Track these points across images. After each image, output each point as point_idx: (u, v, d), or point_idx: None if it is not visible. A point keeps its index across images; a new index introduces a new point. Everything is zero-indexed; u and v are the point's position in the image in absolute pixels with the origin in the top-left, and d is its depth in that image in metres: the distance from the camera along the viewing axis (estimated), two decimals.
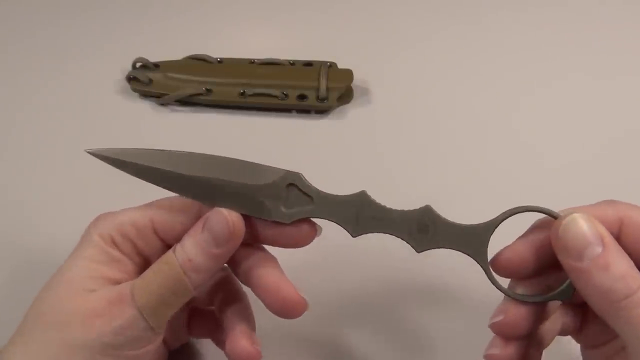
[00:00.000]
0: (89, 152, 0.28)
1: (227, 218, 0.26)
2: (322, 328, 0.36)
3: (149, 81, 0.47)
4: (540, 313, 0.27)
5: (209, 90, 0.46)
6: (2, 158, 0.44)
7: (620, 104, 0.47)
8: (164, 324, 0.27)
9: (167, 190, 0.28)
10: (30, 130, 0.46)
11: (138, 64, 0.48)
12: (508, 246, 0.27)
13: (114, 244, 0.27)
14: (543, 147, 0.44)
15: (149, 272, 0.27)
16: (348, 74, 0.47)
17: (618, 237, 0.25)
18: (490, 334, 0.27)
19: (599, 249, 0.23)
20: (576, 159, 0.43)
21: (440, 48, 0.51)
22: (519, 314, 0.27)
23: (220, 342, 0.32)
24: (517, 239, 0.28)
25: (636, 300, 0.22)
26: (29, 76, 0.49)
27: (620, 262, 0.23)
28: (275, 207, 0.27)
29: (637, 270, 0.23)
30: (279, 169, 0.28)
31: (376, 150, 0.44)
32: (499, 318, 0.27)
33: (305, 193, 0.27)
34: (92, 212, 0.29)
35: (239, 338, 0.28)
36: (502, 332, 0.27)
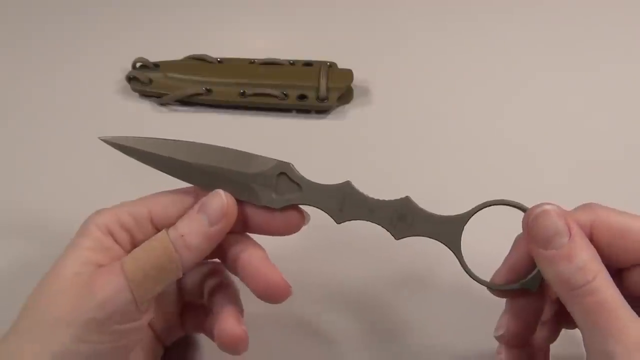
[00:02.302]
0: (102, 139, 0.30)
1: (222, 198, 0.28)
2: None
3: (149, 81, 0.47)
4: (536, 318, 0.28)
5: (209, 90, 0.46)
6: (2, 157, 0.44)
7: (612, 102, 0.46)
8: (148, 300, 0.27)
9: (166, 180, 0.30)
10: (30, 130, 0.45)
11: (138, 64, 0.47)
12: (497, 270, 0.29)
13: (110, 233, 0.28)
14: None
15: (139, 248, 0.27)
16: (348, 74, 0.46)
17: (590, 238, 0.26)
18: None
19: (565, 239, 0.24)
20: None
21: (439, 48, 0.51)
22: (517, 326, 0.28)
23: (212, 335, 0.32)
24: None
25: (589, 289, 0.23)
26: (29, 76, 0.49)
27: (583, 254, 0.24)
28: (266, 194, 0.29)
29: (599, 263, 0.24)
30: (271, 158, 0.29)
31: (376, 150, 0.44)
32: (501, 332, 0.28)
33: (294, 181, 0.29)
34: (92, 208, 0.29)
35: (225, 319, 0.29)
36: (506, 343, 0.29)
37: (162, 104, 0.47)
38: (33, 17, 0.54)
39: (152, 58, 0.48)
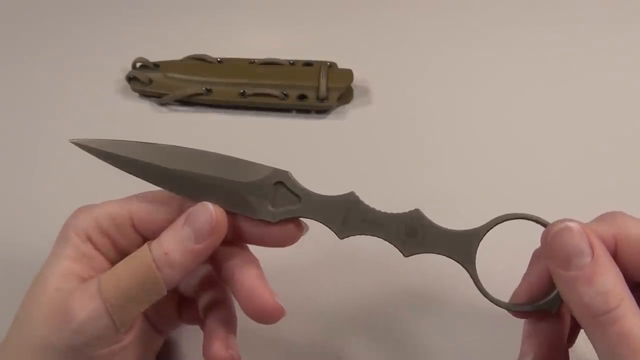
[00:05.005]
0: (73, 142, 0.27)
1: (211, 212, 0.26)
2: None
3: (149, 81, 0.46)
4: (562, 341, 0.27)
5: (209, 90, 0.45)
6: (2, 156, 0.43)
7: (622, 105, 0.45)
8: (129, 322, 0.25)
9: (153, 185, 0.27)
10: (30, 129, 0.45)
11: (138, 64, 0.46)
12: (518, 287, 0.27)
13: (90, 240, 0.26)
14: (543, 150, 0.43)
15: (119, 265, 0.25)
16: (348, 74, 0.46)
17: (615, 253, 0.24)
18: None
19: (587, 260, 0.22)
20: (577, 162, 0.42)
21: (440, 48, 0.50)
22: (543, 352, 0.26)
23: (203, 349, 0.31)
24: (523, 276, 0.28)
25: (613, 317, 0.22)
26: (30, 75, 0.48)
27: (607, 277, 0.22)
28: (262, 206, 0.26)
29: (623, 288, 0.22)
30: (267, 166, 0.27)
31: (376, 150, 0.43)
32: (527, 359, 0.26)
33: (292, 192, 0.27)
34: None
35: (214, 342, 0.27)
36: None
37: (162, 104, 0.46)
38: (33, 17, 0.52)
39: (152, 58, 0.47)
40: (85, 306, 0.24)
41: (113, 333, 0.25)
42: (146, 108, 0.47)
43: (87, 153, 0.27)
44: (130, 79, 0.46)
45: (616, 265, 0.23)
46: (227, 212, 0.26)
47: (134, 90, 0.47)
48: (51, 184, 0.42)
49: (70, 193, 0.41)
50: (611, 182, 0.41)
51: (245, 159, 0.28)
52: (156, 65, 0.47)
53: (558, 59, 0.49)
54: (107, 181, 0.40)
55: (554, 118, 0.45)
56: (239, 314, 0.29)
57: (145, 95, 0.47)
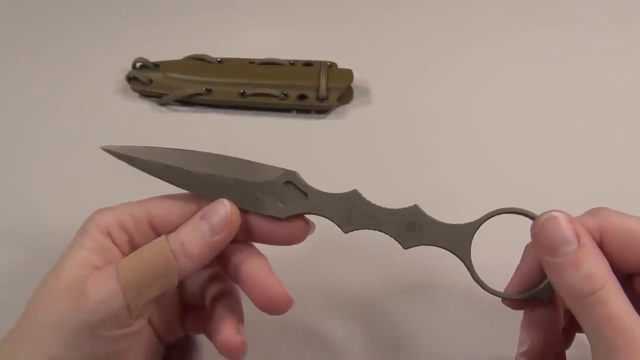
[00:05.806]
0: (103, 149, 0.29)
1: (227, 208, 0.27)
2: (313, 322, 0.35)
3: (149, 81, 0.46)
4: (557, 330, 0.27)
5: (209, 90, 0.45)
6: (2, 156, 0.43)
7: (620, 106, 0.45)
8: (140, 307, 0.26)
9: (168, 186, 0.29)
10: (31, 129, 0.45)
11: (138, 64, 0.46)
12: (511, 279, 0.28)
13: (110, 235, 0.27)
14: (542, 150, 0.43)
15: (136, 253, 0.27)
16: (348, 74, 0.46)
17: (600, 244, 0.25)
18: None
19: (573, 247, 0.24)
20: (574, 162, 0.42)
21: (440, 48, 0.50)
22: (539, 340, 0.27)
23: (212, 337, 0.32)
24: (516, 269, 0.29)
25: (597, 298, 0.23)
26: (29, 76, 0.48)
27: (591, 262, 0.23)
28: (272, 203, 0.28)
29: (608, 272, 0.23)
30: (277, 167, 0.29)
31: (376, 150, 0.43)
32: (524, 348, 0.27)
33: (300, 190, 0.28)
34: (91, 208, 0.29)
35: (225, 328, 0.28)
36: (531, 359, 0.27)
37: (162, 104, 0.46)
38: (33, 17, 0.52)
39: (152, 58, 0.47)
40: (102, 286, 0.25)
41: (126, 315, 0.26)
42: (146, 108, 0.47)
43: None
44: (130, 79, 0.46)
45: (601, 253, 0.24)
46: (240, 210, 0.28)
47: (134, 90, 0.47)
48: (51, 183, 0.42)
49: (70, 193, 0.41)
50: (610, 182, 0.41)
51: (248, 159, 0.29)
52: (156, 65, 0.47)
53: (558, 59, 0.49)
54: (108, 181, 0.40)
55: (553, 118, 0.45)
56: (244, 306, 0.30)
57: (145, 95, 0.47)
